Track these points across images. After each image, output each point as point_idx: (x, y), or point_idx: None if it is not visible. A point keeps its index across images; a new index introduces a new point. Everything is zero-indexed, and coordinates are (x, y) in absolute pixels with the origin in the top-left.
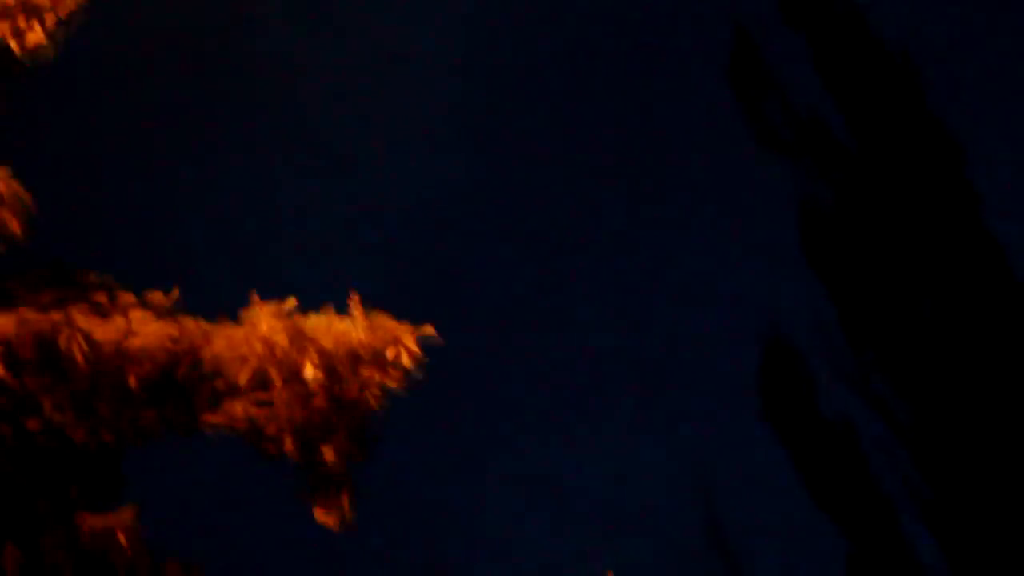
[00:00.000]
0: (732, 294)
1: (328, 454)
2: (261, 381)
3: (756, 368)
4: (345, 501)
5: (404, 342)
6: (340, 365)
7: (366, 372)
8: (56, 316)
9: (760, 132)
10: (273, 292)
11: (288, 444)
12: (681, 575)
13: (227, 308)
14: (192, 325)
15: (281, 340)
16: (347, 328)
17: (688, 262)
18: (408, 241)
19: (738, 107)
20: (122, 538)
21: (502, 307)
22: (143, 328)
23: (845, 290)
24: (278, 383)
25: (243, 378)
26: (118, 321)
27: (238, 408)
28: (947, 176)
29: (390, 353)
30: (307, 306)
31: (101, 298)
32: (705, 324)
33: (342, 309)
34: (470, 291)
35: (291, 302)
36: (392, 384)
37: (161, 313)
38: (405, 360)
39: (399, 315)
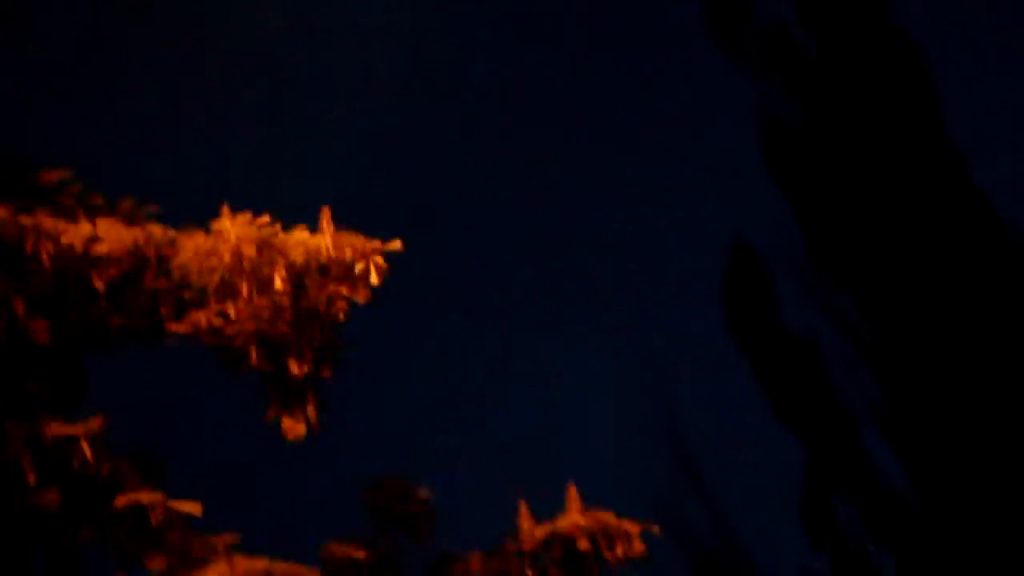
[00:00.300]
0: (695, 211)
1: (294, 366)
2: (228, 291)
3: (719, 283)
4: (311, 411)
5: (372, 258)
6: (309, 278)
7: (334, 286)
8: (24, 220)
9: (724, 45)
10: (244, 206)
11: (254, 355)
12: (641, 484)
13: (197, 219)
14: (160, 233)
15: (249, 251)
16: (317, 242)
17: (651, 178)
18: (376, 160)
19: (702, 19)
20: (86, 447)
21: (467, 220)
22: (110, 234)
23: (809, 207)
24: (245, 294)
25: (210, 288)
26: (85, 226)
27: (203, 318)
28: (917, 92)
29: (358, 268)
30: (277, 221)
31: (68, 200)
32: (668, 239)
33: (313, 226)
34: (435, 202)
35: (264, 218)
36: (360, 299)
37: (129, 220)
38: (373, 276)
39: (367, 232)
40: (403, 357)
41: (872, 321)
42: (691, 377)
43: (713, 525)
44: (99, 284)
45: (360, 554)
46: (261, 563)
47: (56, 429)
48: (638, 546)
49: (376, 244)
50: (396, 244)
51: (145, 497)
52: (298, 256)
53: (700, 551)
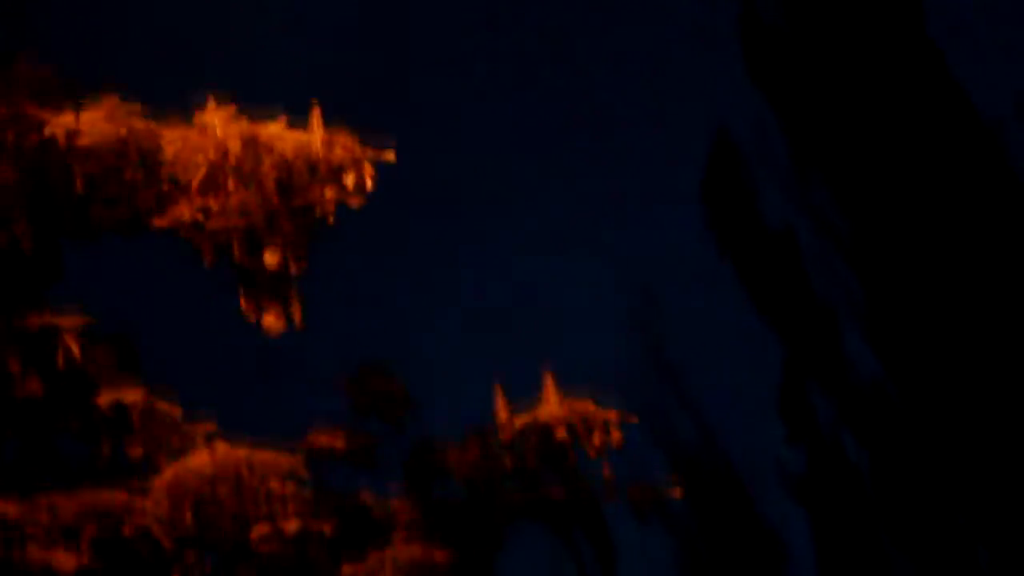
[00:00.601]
0: (678, 107)
1: (272, 259)
2: (212, 185)
3: (700, 180)
4: (293, 305)
5: (363, 163)
6: (297, 175)
7: (322, 186)
8: (5, 109)
9: None
10: (231, 99)
11: (236, 249)
12: (619, 379)
13: (183, 112)
14: (143, 126)
15: (235, 145)
16: (306, 140)
17: (633, 75)
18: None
19: None
20: (68, 339)
21: (452, 113)
22: (93, 127)
23: (789, 105)
24: (230, 188)
25: (194, 181)
26: (69, 118)
27: (186, 212)
28: None
29: (350, 174)
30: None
31: (52, 93)
32: (650, 135)
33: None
34: (418, 97)
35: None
36: (354, 203)
37: (112, 113)
38: (368, 182)
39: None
40: (384, 249)
41: (851, 216)
42: (671, 273)
43: (691, 419)
44: (80, 178)
45: (340, 442)
46: (241, 451)
47: (38, 320)
48: (616, 435)
49: (369, 151)
50: (390, 155)
51: (126, 394)
52: (286, 151)
53: (678, 444)
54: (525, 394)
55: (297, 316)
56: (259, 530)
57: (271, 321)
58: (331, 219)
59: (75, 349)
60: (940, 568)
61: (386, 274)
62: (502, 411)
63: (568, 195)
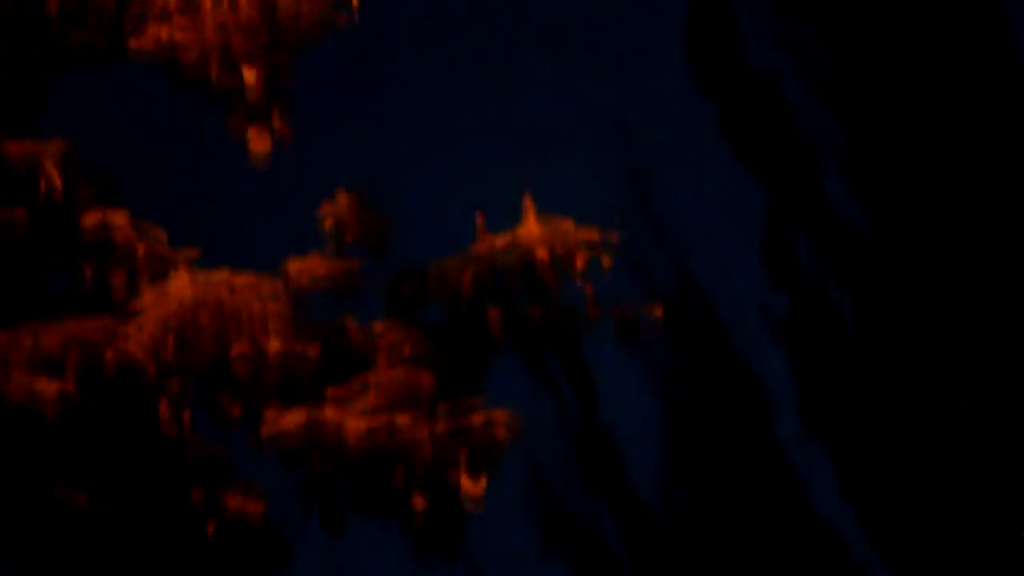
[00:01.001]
0: None
1: (252, 77)
2: (191, 5)
3: (683, 20)
4: (276, 124)
5: None
6: None
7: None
8: None
9: None
10: None
11: (214, 69)
12: (603, 224)
13: None
14: None
15: None
16: None
17: None
18: None
19: None
20: (48, 165)
21: None
22: None
23: None
24: (207, 5)
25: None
26: None
27: (163, 32)
28: None
29: None
30: None
31: None
32: None
33: None
34: None
35: None
36: (335, 20)
37: None
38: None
39: None
40: (368, 76)
41: (834, 59)
42: (653, 115)
43: (674, 264)
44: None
45: (321, 268)
46: (222, 274)
47: (19, 147)
48: (605, 257)
49: None
50: None
51: (110, 216)
52: None
53: (661, 289)
54: (508, 225)
55: (284, 134)
56: (240, 349)
57: (256, 142)
58: (317, 34)
59: (56, 179)
60: (922, 413)
61: (369, 96)
62: (482, 234)
63: (554, 35)
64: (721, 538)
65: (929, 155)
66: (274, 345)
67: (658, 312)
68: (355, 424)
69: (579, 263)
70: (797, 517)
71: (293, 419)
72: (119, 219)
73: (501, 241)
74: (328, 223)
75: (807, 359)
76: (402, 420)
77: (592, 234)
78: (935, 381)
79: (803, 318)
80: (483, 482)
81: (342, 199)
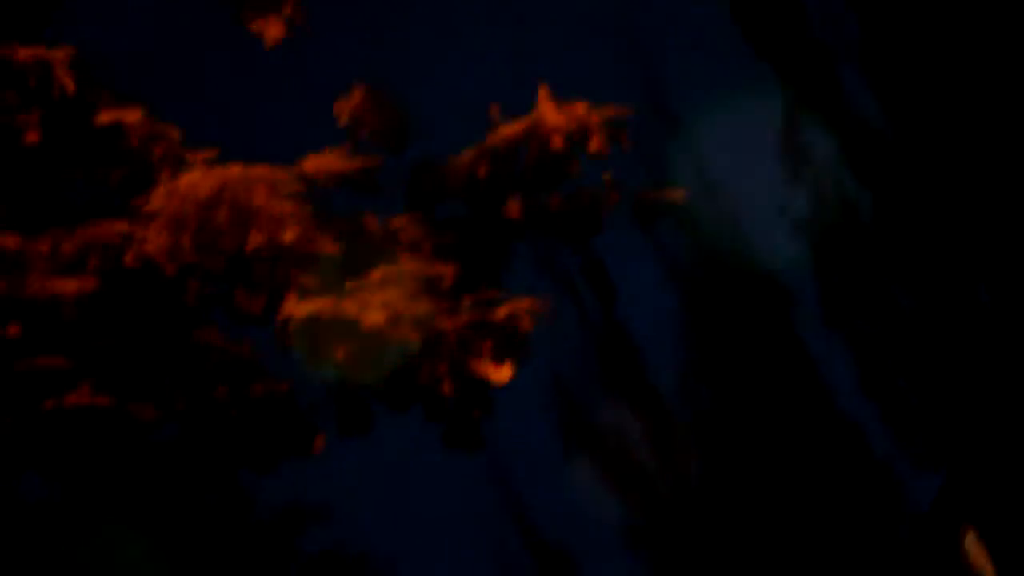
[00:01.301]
0: None
1: None
2: None
3: None
4: (290, 12)
5: None
6: None
7: None
8: None
9: None
10: None
11: None
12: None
13: None
14: None
15: None
16: None
17: None
18: None
19: None
20: (59, 71)
21: None
22: None
23: None
24: None
25: None
26: None
27: None
28: None
29: None
30: None
31: None
32: None
33: None
34: None
35: None
36: None
37: None
38: None
39: None
40: None
41: None
42: (667, 14)
43: (690, 163)
44: None
45: (337, 164)
46: (236, 169)
47: (30, 52)
48: (623, 137)
49: None
50: None
51: (125, 115)
52: None
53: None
54: (524, 114)
55: (297, 19)
56: (256, 240)
57: (269, 29)
58: None
59: (69, 83)
60: (942, 306)
61: None
62: (498, 124)
63: None
64: (741, 432)
65: (945, 47)
66: (291, 240)
67: (677, 196)
68: (376, 316)
69: (595, 143)
70: (818, 413)
71: (314, 309)
72: (134, 118)
73: (517, 129)
74: (344, 119)
75: (826, 254)
76: (424, 311)
77: (607, 112)
78: (954, 274)
79: (821, 213)
80: (508, 370)
81: (357, 94)
